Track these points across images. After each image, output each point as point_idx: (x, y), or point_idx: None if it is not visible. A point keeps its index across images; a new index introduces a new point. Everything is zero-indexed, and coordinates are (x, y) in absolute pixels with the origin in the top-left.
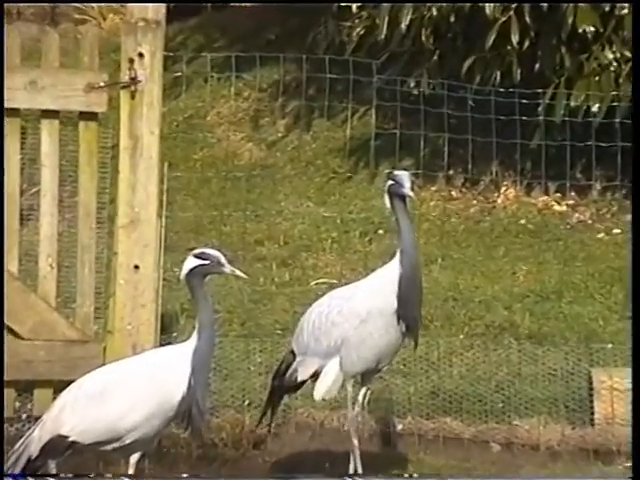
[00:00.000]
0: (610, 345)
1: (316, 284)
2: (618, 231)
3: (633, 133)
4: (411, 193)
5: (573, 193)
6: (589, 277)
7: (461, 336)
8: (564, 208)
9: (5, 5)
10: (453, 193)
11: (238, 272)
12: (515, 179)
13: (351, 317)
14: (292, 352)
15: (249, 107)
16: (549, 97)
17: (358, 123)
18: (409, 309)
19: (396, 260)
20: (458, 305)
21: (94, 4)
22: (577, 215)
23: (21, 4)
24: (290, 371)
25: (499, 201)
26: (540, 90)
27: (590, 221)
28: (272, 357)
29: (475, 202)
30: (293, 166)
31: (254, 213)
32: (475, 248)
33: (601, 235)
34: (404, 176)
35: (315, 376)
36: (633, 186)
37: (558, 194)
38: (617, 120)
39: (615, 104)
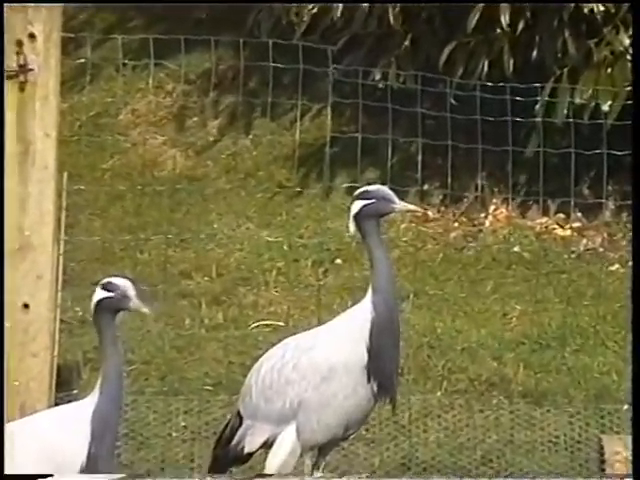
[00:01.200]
0: (626, 406)
1: (257, 327)
2: None
3: (633, 133)
4: (412, 207)
5: (579, 214)
6: (599, 320)
7: (439, 393)
8: (568, 232)
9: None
10: (429, 213)
11: (144, 308)
12: (507, 196)
13: (310, 373)
14: (239, 415)
15: (172, 104)
16: (549, 93)
17: (310, 125)
18: (383, 363)
19: (367, 300)
20: (435, 354)
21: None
22: (585, 241)
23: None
24: (236, 439)
25: (487, 223)
26: (538, 84)
27: (601, 249)
28: (200, 420)
29: (457, 224)
30: (228, 178)
31: (179, 237)
32: (457, 282)
33: (615, 267)
34: (382, 191)
35: (267, 445)
36: (633, 190)
37: (561, 215)
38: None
39: (631, 102)
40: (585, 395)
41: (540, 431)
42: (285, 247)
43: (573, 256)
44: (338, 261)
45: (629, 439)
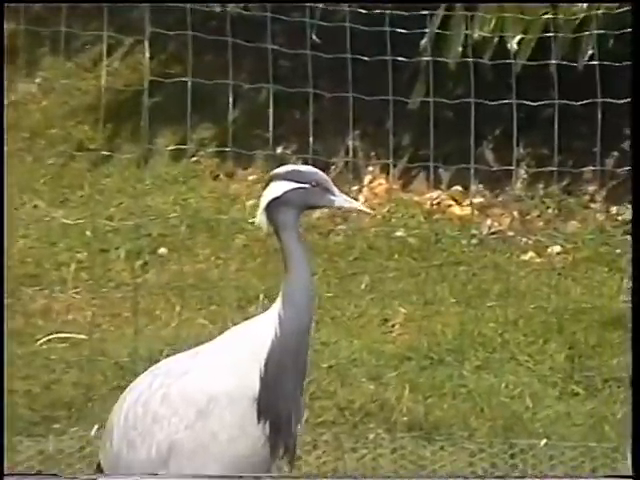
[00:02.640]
0: (544, 441)
1: (49, 341)
2: (558, 249)
3: (632, 131)
4: (357, 204)
5: (481, 185)
6: (508, 326)
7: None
8: (467, 210)
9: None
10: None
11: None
12: (386, 161)
13: (183, 406)
14: (99, 468)
15: None
16: (439, 24)
17: (121, 65)
18: (280, 397)
19: (273, 312)
20: None
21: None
22: (489, 222)
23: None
24: None
25: (360, 199)
26: (426, 12)
27: (510, 232)
28: None
29: None
30: (7, 138)
31: None
32: (321, 278)
33: (528, 256)
34: (319, 176)
35: None
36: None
37: (457, 187)
38: (554, 62)
39: (551, 34)
40: (490, 427)
41: (432, 475)
42: (88, 232)
43: (474, 242)
44: (162, 250)
45: None
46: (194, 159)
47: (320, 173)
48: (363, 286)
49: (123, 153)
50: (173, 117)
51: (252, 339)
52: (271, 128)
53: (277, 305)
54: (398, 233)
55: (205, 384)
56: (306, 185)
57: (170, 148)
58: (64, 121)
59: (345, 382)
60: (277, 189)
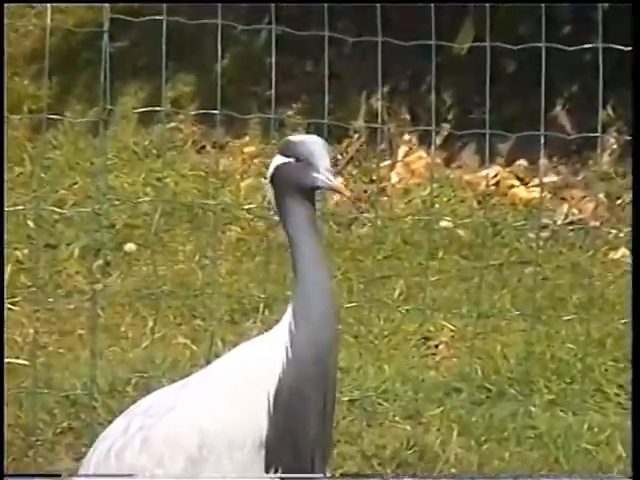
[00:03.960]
0: None
1: None
2: None
3: (633, 130)
4: (337, 184)
5: (554, 159)
6: (592, 347)
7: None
8: (535, 193)
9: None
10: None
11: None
12: (426, 128)
13: (168, 454)
14: None
15: None
16: None
17: None
18: (297, 439)
19: (283, 328)
20: None
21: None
22: (565, 208)
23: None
24: None
25: (393, 177)
26: None
27: (595, 222)
28: None
29: (339, 180)
30: None
31: None
32: (343, 283)
33: (619, 253)
34: (310, 146)
35: None
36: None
37: (521, 162)
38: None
39: None
40: None
41: None
42: (30, 223)
43: (545, 234)
44: (129, 247)
45: None
46: (171, 125)
47: (308, 143)
48: (396, 293)
49: (76, 116)
50: (143, 69)
51: (256, 365)
52: (273, 84)
53: (287, 319)
54: (443, 223)
55: (196, 423)
56: (290, 159)
57: (139, 110)
58: None
59: (373, 421)
60: (272, 165)
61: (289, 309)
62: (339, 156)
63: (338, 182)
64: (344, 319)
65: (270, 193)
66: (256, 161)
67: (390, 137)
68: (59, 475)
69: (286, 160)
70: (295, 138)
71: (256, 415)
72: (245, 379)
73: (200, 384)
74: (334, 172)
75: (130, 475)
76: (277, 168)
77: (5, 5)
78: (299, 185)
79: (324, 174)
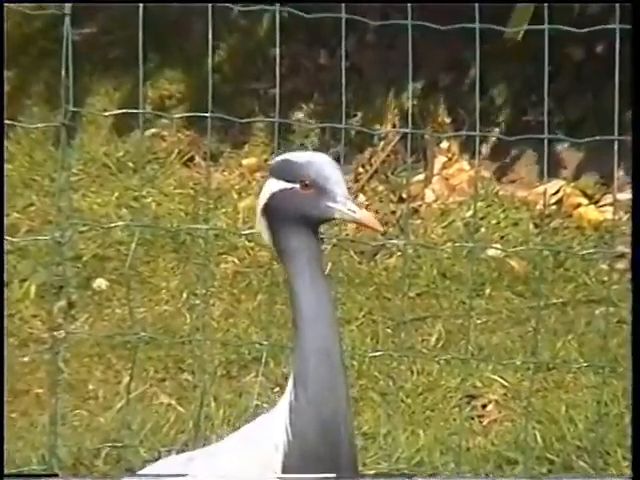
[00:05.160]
0: None
1: None
2: None
3: (633, 129)
4: (366, 216)
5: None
6: None
7: None
8: (608, 213)
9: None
10: None
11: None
12: (470, 134)
13: None
14: None
15: None
16: None
17: None
18: None
19: (285, 398)
20: None
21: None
22: None
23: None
24: None
25: (428, 195)
26: None
27: None
28: None
29: (361, 198)
30: None
31: None
32: (366, 328)
33: None
34: (316, 166)
35: None
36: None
37: (591, 174)
38: None
39: None
40: None
41: None
42: None
43: (620, 266)
44: (99, 283)
45: None
46: (151, 132)
47: (317, 163)
48: (433, 340)
49: (32, 121)
50: (116, 61)
51: (259, 450)
52: (278, 80)
53: (288, 388)
54: (491, 252)
55: None
56: (295, 185)
57: (111, 113)
58: None
59: None
60: (265, 191)
61: (290, 378)
62: (360, 169)
63: (364, 212)
64: (368, 372)
65: (263, 225)
66: (257, 175)
67: (425, 145)
68: (56, 475)
69: (286, 186)
70: (297, 157)
71: None
72: (250, 466)
73: (206, 460)
74: (353, 198)
75: (180, 475)
76: (274, 196)
77: (5, 5)
78: (307, 218)
79: (343, 203)
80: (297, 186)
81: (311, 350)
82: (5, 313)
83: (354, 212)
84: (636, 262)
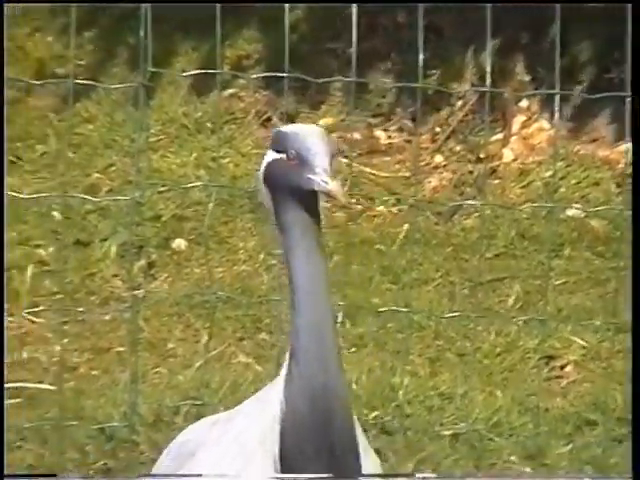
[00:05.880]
0: None
1: None
2: None
3: (632, 129)
4: (336, 187)
5: None
6: None
7: None
8: None
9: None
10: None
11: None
12: (550, 92)
13: None
14: None
15: None
16: None
17: None
18: None
19: (281, 375)
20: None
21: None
22: None
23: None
24: None
25: (506, 155)
26: None
27: None
28: None
29: (434, 158)
30: None
31: None
32: (443, 288)
33: None
34: (303, 137)
35: None
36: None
37: None
38: None
39: None
40: None
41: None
42: (55, 214)
43: None
44: (178, 243)
45: None
46: (229, 92)
47: (303, 135)
48: (511, 301)
49: (112, 82)
50: (193, 22)
51: (260, 421)
52: (354, 39)
53: (286, 360)
54: (570, 212)
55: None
56: (282, 155)
57: (189, 74)
58: (12, 28)
59: (483, 461)
60: (263, 161)
61: (287, 354)
62: (438, 129)
63: (336, 185)
64: (445, 332)
65: (265, 196)
66: (334, 135)
67: (504, 104)
68: (55, 475)
69: (277, 156)
70: (287, 128)
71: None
72: (256, 434)
73: (221, 429)
74: (332, 172)
75: (199, 475)
76: (268, 165)
77: (5, 5)
78: (291, 188)
79: (319, 175)
80: (284, 156)
81: (303, 324)
82: (5, 315)
83: (326, 183)
84: (636, 262)
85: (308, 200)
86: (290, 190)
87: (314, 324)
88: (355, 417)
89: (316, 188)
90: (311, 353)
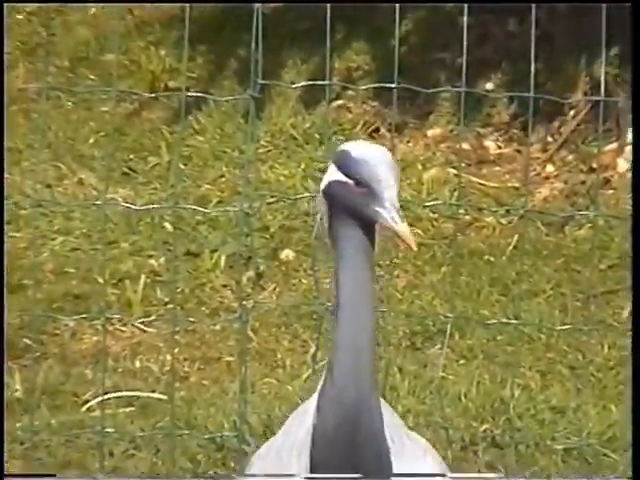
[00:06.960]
0: None
1: (101, 403)
2: None
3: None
4: (402, 227)
5: None
6: None
7: None
8: None
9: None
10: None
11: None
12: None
13: None
14: None
15: None
16: None
17: None
18: None
19: (319, 390)
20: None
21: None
22: None
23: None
24: None
25: (621, 163)
26: None
27: None
28: None
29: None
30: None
31: None
32: (559, 297)
33: None
34: (372, 162)
35: None
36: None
37: None
38: None
39: None
40: None
41: None
42: (167, 225)
43: None
44: (286, 253)
45: None
46: (338, 103)
47: (373, 165)
48: (625, 313)
49: (222, 94)
50: (304, 34)
51: (299, 431)
52: (465, 48)
53: (324, 372)
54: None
55: None
56: (349, 180)
57: (298, 85)
58: (127, 42)
59: (596, 477)
60: (326, 177)
61: (325, 369)
62: (549, 138)
63: (405, 227)
64: (556, 345)
65: (323, 208)
66: (442, 147)
67: (618, 113)
68: (54, 475)
69: (342, 179)
70: (356, 152)
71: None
72: (288, 452)
73: (266, 448)
74: (399, 210)
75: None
76: (331, 185)
77: (5, 5)
78: (354, 211)
79: (389, 211)
80: (351, 182)
81: (341, 340)
82: (5, 316)
83: (396, 223)
84: (636, 261)
85: (368, 223)
86: (352, 213)
87: (353, 342)
88: (403, 425)
89: (384, 223)
90: (346, 369)
